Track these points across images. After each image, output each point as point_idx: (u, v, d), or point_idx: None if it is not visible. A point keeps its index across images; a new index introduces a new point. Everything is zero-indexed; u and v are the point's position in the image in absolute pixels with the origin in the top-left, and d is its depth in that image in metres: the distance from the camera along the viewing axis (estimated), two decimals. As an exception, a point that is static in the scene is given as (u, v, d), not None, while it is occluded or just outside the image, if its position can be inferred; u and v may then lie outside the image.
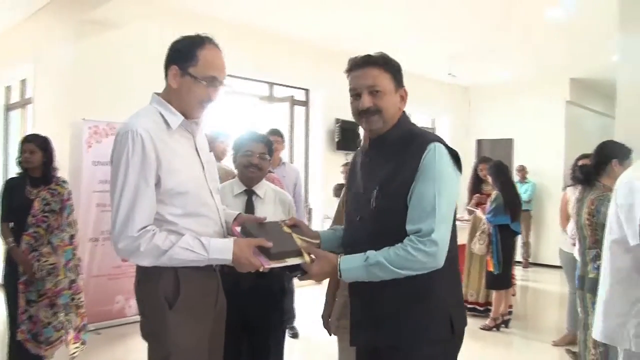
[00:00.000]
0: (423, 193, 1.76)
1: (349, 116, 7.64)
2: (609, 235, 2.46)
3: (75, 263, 3.89)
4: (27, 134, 4.15)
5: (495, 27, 6.86)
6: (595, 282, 2.56)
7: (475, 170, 6.38)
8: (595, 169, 3.14)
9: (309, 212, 7.64)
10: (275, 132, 5.07)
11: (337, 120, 7.95)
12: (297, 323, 5.09)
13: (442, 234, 1.75)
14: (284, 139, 5.45)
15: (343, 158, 8.13)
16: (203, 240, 1.83)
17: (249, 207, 2.79)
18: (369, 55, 1.96)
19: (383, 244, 1.78)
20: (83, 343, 3.95)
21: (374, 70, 1.91)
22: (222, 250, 1.83)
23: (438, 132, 10.69)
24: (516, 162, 9.72)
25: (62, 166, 4.96)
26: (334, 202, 6.74)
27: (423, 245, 1.72)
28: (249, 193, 2.84)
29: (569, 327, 4.92)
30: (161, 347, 1.86)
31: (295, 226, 2.04)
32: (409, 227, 1.76)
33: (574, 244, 4.00)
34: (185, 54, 1.90)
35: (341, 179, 7.43)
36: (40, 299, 3.69)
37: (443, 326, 1.85)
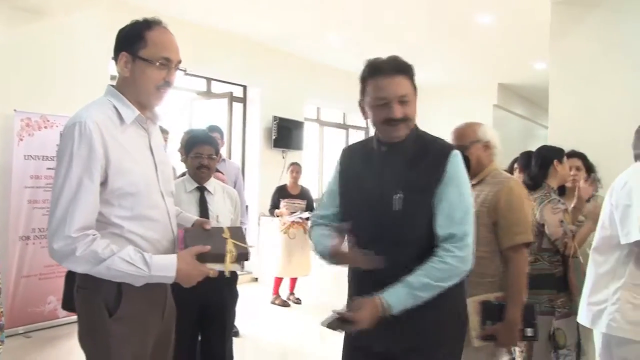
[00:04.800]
0: (453, 199, 1.82)
1: (286, 113, 7.71)
2: (601, 231, 2.60)
3: None
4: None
5: (430, 33, 7.08)
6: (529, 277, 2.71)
7: None
8: (540, 171, 3.33)
9: (246, 209, 7.63)
10: (215, 129, 5.04)
11: (275, 118, 7.97)
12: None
13: (472, 237, 1.84)
14: (223, 136, 5.43)
15: (280, 155, 8.17)
16: (146, 255, 1.71)
17: (202, 202, 3.11)
18: (394, 62, 1.88)
19: (403, 248, 1.81)
20: (1, 342, 3.79)
21: (403, 80, 1.86)
22: (166, 267, 1.73)
23: (372, 131, 10.91)
24: (446, 162, 10.07)
25: (-9, 160, 4.76)
26: (268, 201, 6.78)
27: (459, 251, 1.78)
28: (201, 189, 3.14)
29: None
30: (97, 356, 1.78)
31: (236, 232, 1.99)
32: (441, 232, 1.81)
33: None
34: (132, 38, 1.80)
35: (281, 178, 7.47)
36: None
37: (460, 323, 1.96)
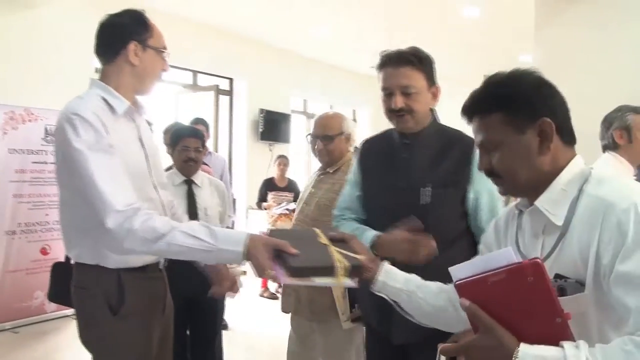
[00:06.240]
0: (490, 191, 1.85)
1: (272, 106, 7.70)
2: None
3: None
4: None
5: (415, 25, 7.08)
6: None
7: None
8: None
9: (234, 202, 7.61)
10: (200, 122, 5.01)
11: (261, 111, 7.96)
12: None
13: None
14: (209, 128, 5.41)
15: (267, 148, 8.16)
16: (212, 227, 1.57)
17: (190, 195, 3.11)
18: (402, 53, 1.88)
19: None
20: None
21: (407, 70, 1.85)
22: (234, 240, 1.53)
23: (359, 124, 10.92)
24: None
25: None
26: (255, 194, 6.77)
27: None
28: (189, 182, 3.15)
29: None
30: (106, 356, 1.77)
31: (342, 241, 1.57)
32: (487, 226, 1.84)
33: None
34: (140, 28, 1.79)
35: (268, 171, 7.45)
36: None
37: None
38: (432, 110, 1.97)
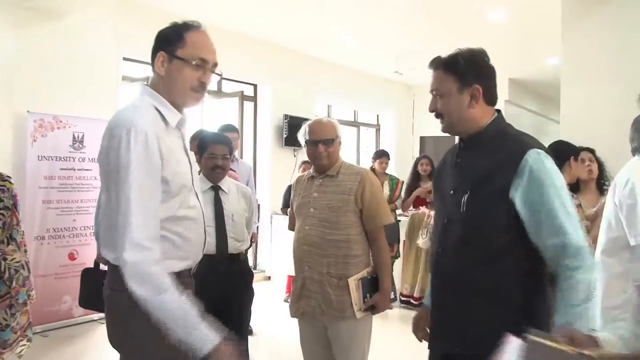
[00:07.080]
0: (548, 205, 1.64)
1: (297, 112, 7.70)
2: (607, 232, 2.52)
3: (27, 259, 3.78)
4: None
5: (440, 28, 7.04)
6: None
7: (416, 166, 6.49)
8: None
9: (258, 207, 7.62)
10: (232, 129, 5.02)
11: (286, 116, 7.97)
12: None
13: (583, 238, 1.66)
14: (239, 135, 5.43)
15: (291, 154, 8.17)
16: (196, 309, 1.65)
17: (217, 201, 3.12)
18: (435, 58, 1.89)
19: (470, 252, 1.74)
20: (29, 340, 3.82)
21: (436, 73, 1.86)
22: (207, 337, 1.62)
23: (382, 129, 10.89)
24: (458, 159, 10.00)
25: (4, 161, 4.80)
26: (279, 199, 6.79)
27: (584, 261, 1.60)
28: (215, 189, 3.15)
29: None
30: (139, 358, 1.77)
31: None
32: (552, 241, 1.63)
33: None
34: (172, 38, 1.80)
35: (292, 176, 7.46)
36: (0, 300, 3.55)
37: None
38: (498, 111, 1.87)
